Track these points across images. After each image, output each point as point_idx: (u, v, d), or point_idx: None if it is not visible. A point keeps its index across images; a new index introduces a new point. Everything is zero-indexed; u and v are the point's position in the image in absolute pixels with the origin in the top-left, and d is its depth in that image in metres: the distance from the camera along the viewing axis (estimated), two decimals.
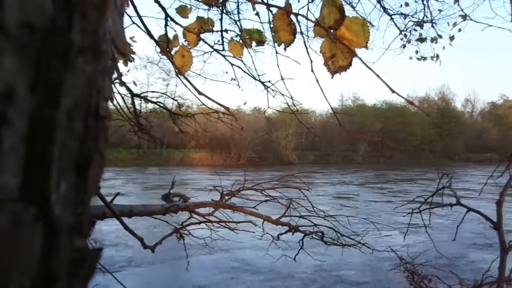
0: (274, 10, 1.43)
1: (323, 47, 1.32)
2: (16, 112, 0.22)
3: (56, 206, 0.25)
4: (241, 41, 2.08)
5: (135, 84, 3.11)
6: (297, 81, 2.53)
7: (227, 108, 2.37)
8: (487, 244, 6.83)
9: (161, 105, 3.01)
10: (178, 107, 3.38)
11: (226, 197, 2.98)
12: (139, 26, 1.93)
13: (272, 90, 2.49)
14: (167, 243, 2.60)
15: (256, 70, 2.47)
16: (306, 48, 1.45)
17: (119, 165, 25.37)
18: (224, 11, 2.31)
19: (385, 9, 4.26)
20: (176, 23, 2.07)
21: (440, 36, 4.91)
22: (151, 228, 5.12)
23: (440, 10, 4.71)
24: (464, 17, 4.54)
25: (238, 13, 2.44)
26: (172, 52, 2.07)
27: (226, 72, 2.71)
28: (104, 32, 0.28)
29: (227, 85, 2.76)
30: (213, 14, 2.27)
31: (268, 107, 2.54)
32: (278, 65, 1.85)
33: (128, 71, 4.17)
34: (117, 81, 2.26)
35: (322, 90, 1.48)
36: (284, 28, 1.39)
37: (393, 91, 1.22)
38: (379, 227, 4.33)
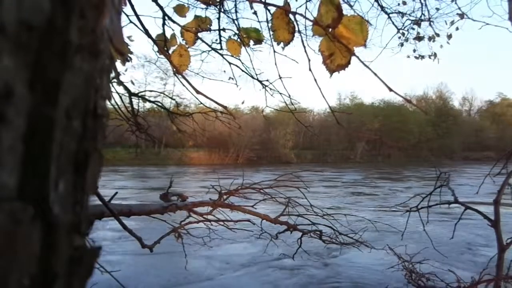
0: (272, 9, 1.43)
1: (321, 46, 1.32)
2: (15, 111, 0.22)
3: (55, 205, 0.25)
4: (239, 40, 2.08)
5: (132, 83, 3.11)
6: (295, 80, 2.53)
7: (225, 107, 2.37)
8: (485, 242, 6.85)
9: (159, 104, 3.01)
10: (176, 106, 3.37)
11: (225, 196, 2.98)
12: (136, 25, 1.93)
13: (270, 89, 2.49)
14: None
15: (254, 69, 2.47)
16: (304, 47, 1.45)
17: (117, 165, 25.34)
18: (222, 10, 2.31)
19: (382, 8, 4.26)
20: (174, 22, 2.07)
21: (438, 35, 4.92)
22: (149, 228, 5.11)
23: (437, 9, 4.72)
24: (462, 15, 4.56)
25: (236, 12, 2.45)
26: (170, 51, 2.07)
27: (224, 71, 2.71)
28: (102, 31, 0.28)
29: (225, 84, 2.76)
30: (211, 13, 2.28)
31: (266, 106, 2.54)
32: (276, 64, 1.85)
33: (125, 70, 4.17)
34: (115, 80, 2.26)
35: (320, 89, 1.48)
36: (283, 27, 1.39)
37: (390, 90, 1.23)
38: (377, 225, 4.34)
